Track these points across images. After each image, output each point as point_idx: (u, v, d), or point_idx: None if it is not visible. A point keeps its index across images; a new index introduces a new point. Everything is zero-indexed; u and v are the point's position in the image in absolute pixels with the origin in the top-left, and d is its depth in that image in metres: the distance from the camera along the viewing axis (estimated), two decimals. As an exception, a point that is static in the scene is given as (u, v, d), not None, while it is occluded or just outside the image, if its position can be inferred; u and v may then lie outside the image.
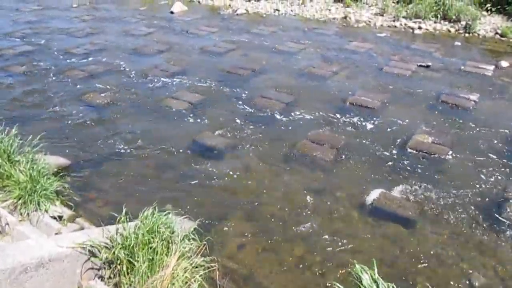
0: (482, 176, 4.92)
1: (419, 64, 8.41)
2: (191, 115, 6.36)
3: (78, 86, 7.43)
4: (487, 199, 4.55)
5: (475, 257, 3.82)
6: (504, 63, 8.36)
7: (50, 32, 10.72)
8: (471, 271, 3.66)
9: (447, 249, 3.90)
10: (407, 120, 6.16)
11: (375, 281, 2.99)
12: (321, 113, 6.37)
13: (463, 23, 10.78)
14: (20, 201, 3.98)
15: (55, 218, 4.03)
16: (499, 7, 11.40)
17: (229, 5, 13.57)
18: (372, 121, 6.14)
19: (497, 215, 4.31)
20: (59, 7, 13.70)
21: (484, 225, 4.19)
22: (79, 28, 11.11)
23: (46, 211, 4.02)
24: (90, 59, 8.77)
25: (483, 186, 4.76)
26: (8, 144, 4.45)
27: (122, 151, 5.43)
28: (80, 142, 5.63)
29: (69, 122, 6.17)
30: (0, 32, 10.74)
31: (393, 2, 12.55)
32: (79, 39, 10.19)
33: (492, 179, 4.86)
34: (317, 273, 3.64)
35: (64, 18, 12.32)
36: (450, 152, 5.38)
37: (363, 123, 6.09)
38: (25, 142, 4.59)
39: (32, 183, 4.05)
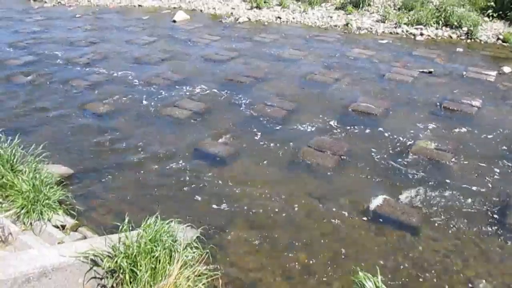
0: (486, 182, 4.90)
1: (421, 70, 8.41)
2: (193, 123, 6.38)
3: (81, 95, 7.47)
4: (491, 206, 4.52)
5: (480, 264, 3.78)
6: (507, 69, 8.35)
7: (54, 42, 10.81)
8: (476, 279, 3.63)
9: (452, 256, 3.87)
10: (409, 126, 6.15)
11: (379, 289, 2.98)
12: (323, 120, 6.37)
13: (465, 29, 10.79)
14: (23, 211, 3.99)
15: (57, 227, 4.04)
16: (500, 13, 11.41)
17: (231, 13, 13.64)
18: (374, 128, 6.13)
19: (502, 222, 4.28)
20: (63, 18, 13.84)
21: (489, 231, 4.16)
22: (82, 38, 11.20)
23: (49, 220, 4.03)
24: (93, 68, 8.83)
25: (487, 192, 4.73)
26: (11, 153, 4.47)
27: (125, 159, 5.44)
28: (82, 151, 5.65)
29: (72, 131, 6.20)
30: (4, 42, 10.85)
31: (394, 9, 12.60)
32: (82, 48, 10.27)
33: (496, 185, 4.84)
34: (321, 281, 3.61)
35: (68, 28, 12.43)
36: (453, 158, 5.36)
37: (365, 130, 6.08)
38: (28, 151, 4.62)
39: (35, 192, 4.06)
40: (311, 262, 3.81)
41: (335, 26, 12.06)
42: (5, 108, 6.99)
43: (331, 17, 12.69)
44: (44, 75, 8.42)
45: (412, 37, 10.95)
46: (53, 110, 6.88)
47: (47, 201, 4.10)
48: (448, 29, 11.11)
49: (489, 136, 5.89)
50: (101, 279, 3.20)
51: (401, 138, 5.84)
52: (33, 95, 7.48)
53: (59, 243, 3.75)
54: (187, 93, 7.45)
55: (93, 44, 10.61)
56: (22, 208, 4.00)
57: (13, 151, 4.53)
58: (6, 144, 4.60)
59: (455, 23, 11.01)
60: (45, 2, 16.47)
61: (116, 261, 3.11)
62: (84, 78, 8.24)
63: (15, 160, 4.47)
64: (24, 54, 9.78)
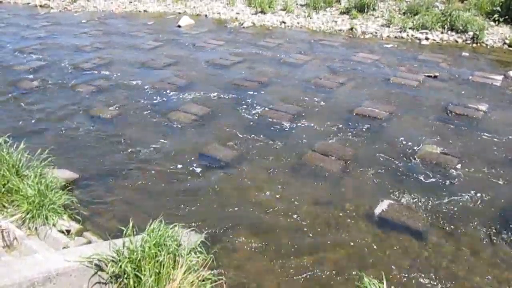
0: (492, 187, 4.85)
1: (426, 74, 8.38)
2: (198, 127, 6.38)
3: (87, 100, 7.51)
4: (497, 210, 4.48)
5: (487, 270, 3.74)
6: (513, 73, 8.31)
7: (60, 48, 10.90)
8: (484, 285, 3.59)
9: (458, 261, 3.84)
10: (415, 131, 6.12)
11: (384, 295, 2.95)
12: (328, 124, 6.36)
13: (471, 33, 10.74)
14: (28, 216, 4.01)
15: (62, 232, 4.05)
16: (506, 17, 11.36)
17: (236, 18, 13.68)
18: (379, 132, 6.11)
19: (508, 227, 4.24)
20: (69, 23, 13.95)
21: (496, 237, 4.12)
22: (88, 43, 11.28)
23: (54, 225, 4.05)
24: (99, 73, 8.88)
25: (493, 196, 4.69)
26: (16, 158, 4.50)
27: (129, 164, 5.45)
28: (87, 156, 5.67)
29: (77, 136, 6.23)
30: (11, 48, 10.96)
31: (399, 14, 12.58)
32: (88, 54, 10.34)
33: (502, 190, 4.80)
34: (326, 286, 3.59)
35: (74, 33, 12.53)
36: (459, 162, 5.32)
37: (370, 134, 6.06)
38: (34, 156, 4.64)
39: (40, 197, 4.08)
40: (315, 267, 3.79)
41: (340, 30, 12.06)
42: (11, 113, 7.04)
43: (335, 21, 12.69)
44: (50, 80, 8.48)
45: (417, 41, 10.92)
46: (59, 115, 6.92)
47: (52, 206, 4.11)
48: (453, 33, 11.07)
49: (495, 141, 5.84)
50: (105, 284, 3.20)
51: (406, 143, 5.81)
52: (39, 100, 7.53)
53: (64, 248, 3.76)
54: (192, 98, 7.47)
55: (99, 49, 10.69)
56: (27, 213, 4.01)
57: (19, 156, 4.55)
58: (12, 149, 4.63)
59: (461, 28, 10.97)
60: (52, 8, 16.63)
61: (121, 266, 3.11)
62: (90, 83, 8.29)
63: (20, 165, 4.49)
64: (31, 60, 9.86)
